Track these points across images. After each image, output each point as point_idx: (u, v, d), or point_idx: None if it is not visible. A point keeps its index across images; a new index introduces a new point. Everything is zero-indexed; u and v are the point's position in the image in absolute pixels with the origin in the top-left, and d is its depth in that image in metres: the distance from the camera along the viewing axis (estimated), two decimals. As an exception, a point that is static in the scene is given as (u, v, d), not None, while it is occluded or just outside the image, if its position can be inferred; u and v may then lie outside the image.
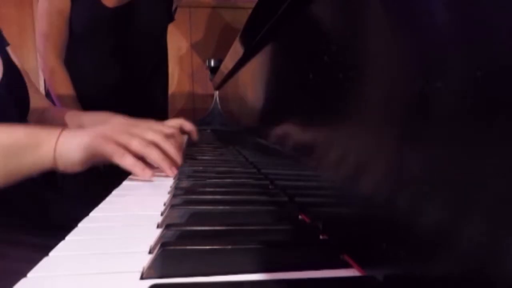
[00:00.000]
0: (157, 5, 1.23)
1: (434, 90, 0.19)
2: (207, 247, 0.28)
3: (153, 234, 0.33)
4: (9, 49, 0.74)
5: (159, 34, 1.29)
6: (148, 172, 0.57)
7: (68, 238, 0.33)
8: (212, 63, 1.58)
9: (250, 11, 0.57)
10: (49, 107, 0.85)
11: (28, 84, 0.76)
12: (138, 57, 1.23)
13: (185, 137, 0.92)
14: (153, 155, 0.58)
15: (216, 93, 1.57)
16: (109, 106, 0.85)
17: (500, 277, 0.15)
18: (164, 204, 0.44)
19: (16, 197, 0.65)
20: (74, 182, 1.04)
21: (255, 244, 0.28)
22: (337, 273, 0.27)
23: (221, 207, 0.41)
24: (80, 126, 0.79)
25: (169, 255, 0.27)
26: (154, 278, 0.25)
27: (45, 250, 0.29)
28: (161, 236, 0.32)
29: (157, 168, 0.60)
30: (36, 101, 0.80)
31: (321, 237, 0.33)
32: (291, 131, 0.46)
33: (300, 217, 0.39)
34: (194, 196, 0.46)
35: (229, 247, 0.28)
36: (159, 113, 1.32)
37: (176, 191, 0.48)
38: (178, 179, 0.57)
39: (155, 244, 0.31)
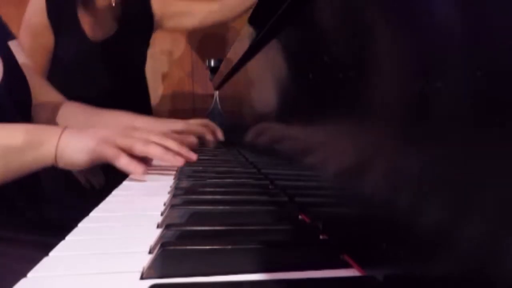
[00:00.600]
0: (138, 36, 1.28)
1: (434, 90, 0.19)
2: (207, 247, 0.28)
3: (153, 234, 0.33)
4: (12, 44, 0.72)
5: (140, 62, 1.34)
6: (140, 168, 0.56)
7: (68, 238, 0.33)
8: (212, 63, 1.58)
9: (250, 11, 0.57)
10: (63, 102, 0.83)
11: (32, 80, 0.74)
12: (120, 83, 1.26)
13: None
14: (155, 151, 0.58)
15: (216, 93, 1.57)
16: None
17: (500, 277, 0.15)
18: (164, 204, 0.44)
19: (16, 197, 0.65)
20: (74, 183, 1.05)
21: (255, 244, 0.28)
22: (337, 273, 0.27)
23: (221, 207, 0.41)
24: (100, 125, 0.78)
25: (169, 255, 0.27)
26: (154, 278, 0.25)
27: (45, 250, 0.29)
28: (161, 236, 0.32)
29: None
30: (43, 96, 0.79)
31: (321, 237, 0.33)
32: (291, 131, 0.46)
33: (300, 217, 0.39)
34: (194, 196, 0.46)
35: (229, 247, 0.28)
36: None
37: (176, 191, 0.48)
38: (178, 179, 0.57)
39: (155, 244, 0.31)
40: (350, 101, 0.30)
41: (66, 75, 1.18)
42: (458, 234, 0.17)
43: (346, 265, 0.28)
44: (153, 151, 0.58)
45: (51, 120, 0.79)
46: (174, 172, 0.65)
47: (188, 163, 0.60)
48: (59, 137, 0.56)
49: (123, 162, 0.56)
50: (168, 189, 0.53)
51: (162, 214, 0.40)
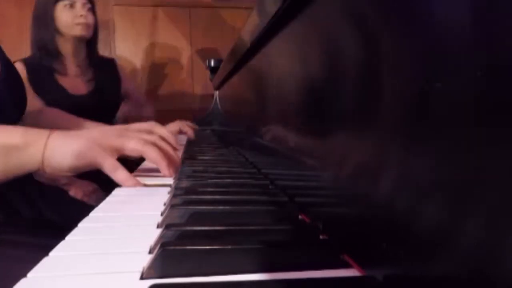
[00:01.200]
0: (113, 86, 1.47)
1: (434, 90, 0.19)
2: (207, 247, 0.28)
3: (153, 234, 0.33)
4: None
5: (116, 108, 1.51)
6: (131, 180, 0.54)
7: (68, 238, 0.33)
8: (212, 63, 1.58)
9: (250, 11, 0.57)
10: (43, 109, 0.84)
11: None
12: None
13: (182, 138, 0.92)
14: (152, 153, 0.57)
15: (216, 93, 1.57)
16: None
17: (500, 277, 0.15)
18: (164, 204, 0.44)
19: (15, 197, 0.65)
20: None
21: (255, 244, 0.28)
22: (337, 273, 0.27)
23: (221, 207, 0.40)
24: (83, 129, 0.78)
25: (169, 255, 0.27)
26: (154, 278, 0.25)
27: (45, 250, 0.29)
28: (161, 236, 0.32)
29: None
30: (30, 101, 0.79)
31: (321, 237, 0.33)
32: (291, 131, 0.46)
33: (300, 217, 0.39)
34: (194, 196, 0.46)
35: (229, 247, 0.28)
36: None
37: (176, 191, 0.48)
38: (178, 179, 0.57)
39: (155, 244, 0.31)
40: (350, 101, 0.30)
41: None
42: (458, 234, 0.17)
43: (346, 265, 0.28)
44: (150, 153, 0.56)
45: (36, 126, 0.78)
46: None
47: (188, 163, 0.60)
48: (46, 140, 0.53)
49: (108, 167, 0.53)
50: (168, 189, 0.53)
51: (162, 214, 0.40)
